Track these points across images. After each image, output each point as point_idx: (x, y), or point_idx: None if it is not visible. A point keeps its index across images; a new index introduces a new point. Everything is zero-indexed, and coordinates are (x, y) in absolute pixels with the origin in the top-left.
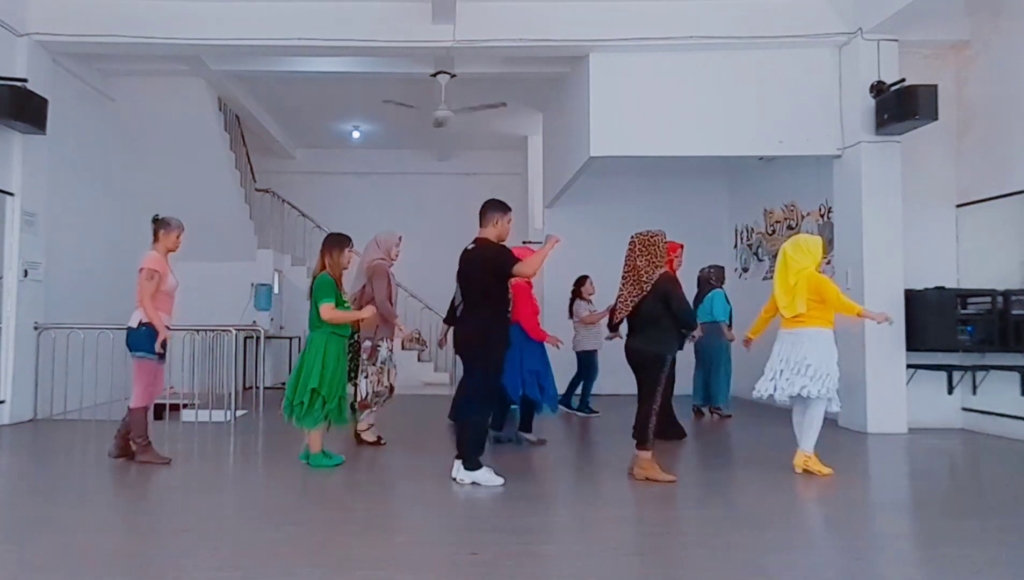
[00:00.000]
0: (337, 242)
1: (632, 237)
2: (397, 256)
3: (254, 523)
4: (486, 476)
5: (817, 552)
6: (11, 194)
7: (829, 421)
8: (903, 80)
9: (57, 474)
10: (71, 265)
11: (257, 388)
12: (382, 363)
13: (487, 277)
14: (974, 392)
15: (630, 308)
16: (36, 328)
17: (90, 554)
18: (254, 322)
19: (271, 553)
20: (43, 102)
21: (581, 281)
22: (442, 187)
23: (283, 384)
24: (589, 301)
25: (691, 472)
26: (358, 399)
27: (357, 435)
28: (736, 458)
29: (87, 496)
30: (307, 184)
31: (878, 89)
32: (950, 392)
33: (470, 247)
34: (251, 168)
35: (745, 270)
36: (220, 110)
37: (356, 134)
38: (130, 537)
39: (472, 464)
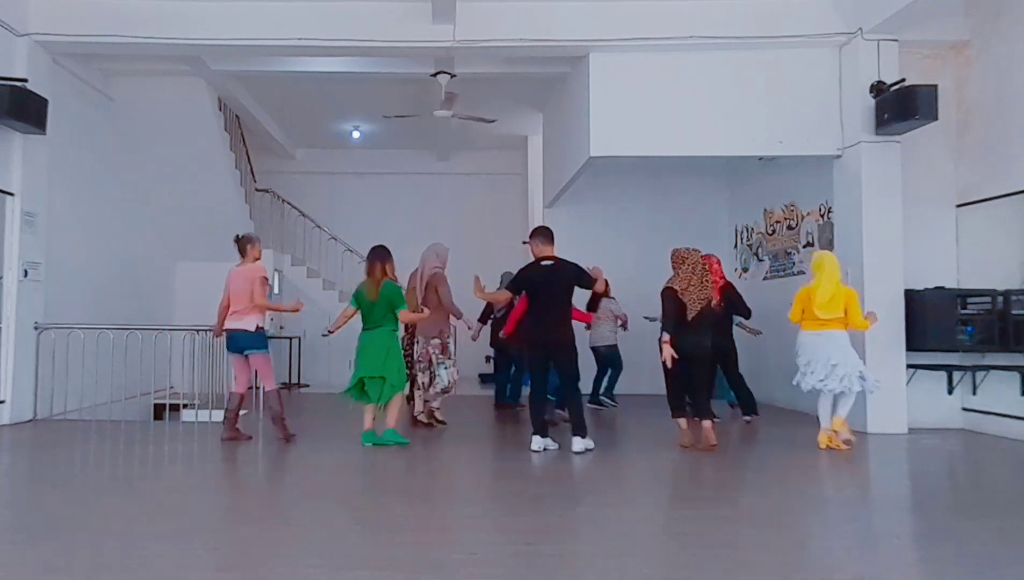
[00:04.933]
0: (389, 254)
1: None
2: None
3: (254, 523)
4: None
5: (817, 552)
6: (11, 194)
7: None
8: (903, 80)
9: (57, 475)
10: (71, 265)
11: (257, 388)
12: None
13: None
14: (974, 392)
15: None
16: (36, 328)
17: (90, 554)
18: None
19: (271, 553)
20: (43, 102)
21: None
22: (442, 187)
23: (284, 384)
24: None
25: (688, 472)
26: (441, 387)
27: (419, 417)
28: (732, 458)
29: (87, 497)
30: (307, 184)
31: (878, 89)
32: (950, 392)
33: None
34: (251, 168)
35: (745, 270)
36: (220, 110)
37: (356, 134)
38: (130, 537)
39: (584, 433)
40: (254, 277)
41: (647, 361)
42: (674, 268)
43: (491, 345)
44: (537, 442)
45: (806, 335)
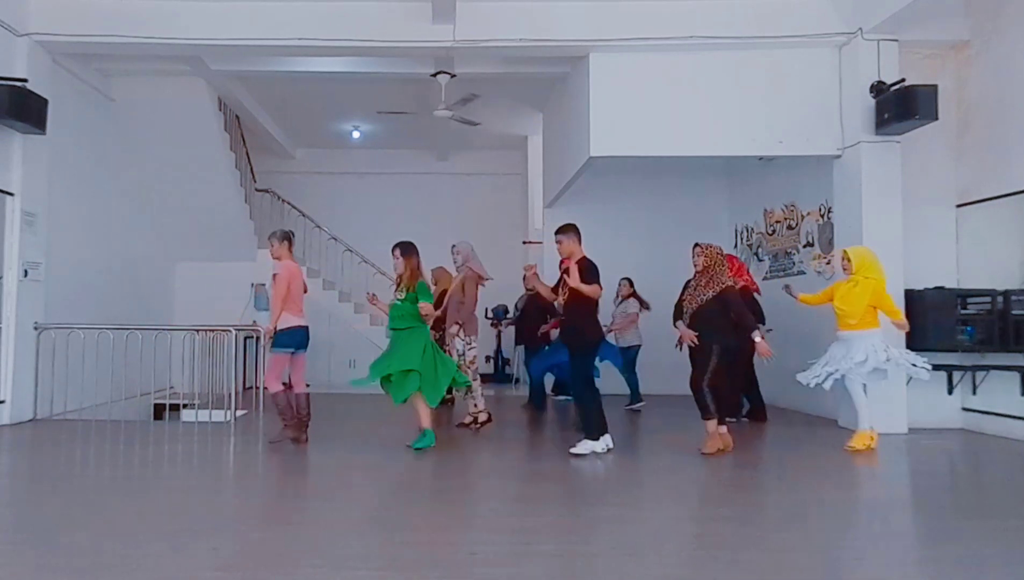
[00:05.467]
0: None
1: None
2: None
3: (254, 523)
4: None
5: (818, 552)
6: (11, 194)
7: (829, 421)
8: (903, 80)
9: (57, 475)
10: (71, 265)
11: (257, 388)
12: None
13: None
14: (974, 392)
15: None
16: (36, 328)
17: (90, 554)
18: (254, 322)
19: (271, 553)
20: (43, 102)
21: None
22: (442, 187)
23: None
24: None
25: (687, 473)
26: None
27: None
28: (734, 459)
29: (87, 497)
30: (307, 184)
31: (878, 89)
32: (950, 392)
33: None
34: (251, 168)
35: None
36: (220, 110)
37: (356, 134)
38: (130, 538)
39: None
40: (302, 273)
41: (659, 362)
42: (718, 266)
43: (518, 344)
44: (605, 441)
45: (880, 332)
